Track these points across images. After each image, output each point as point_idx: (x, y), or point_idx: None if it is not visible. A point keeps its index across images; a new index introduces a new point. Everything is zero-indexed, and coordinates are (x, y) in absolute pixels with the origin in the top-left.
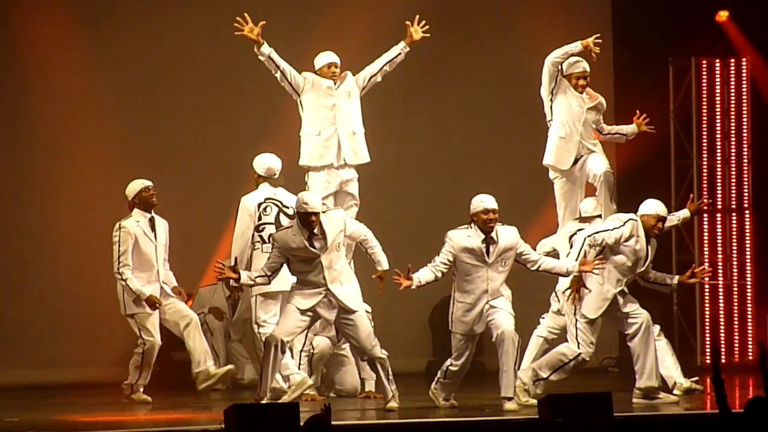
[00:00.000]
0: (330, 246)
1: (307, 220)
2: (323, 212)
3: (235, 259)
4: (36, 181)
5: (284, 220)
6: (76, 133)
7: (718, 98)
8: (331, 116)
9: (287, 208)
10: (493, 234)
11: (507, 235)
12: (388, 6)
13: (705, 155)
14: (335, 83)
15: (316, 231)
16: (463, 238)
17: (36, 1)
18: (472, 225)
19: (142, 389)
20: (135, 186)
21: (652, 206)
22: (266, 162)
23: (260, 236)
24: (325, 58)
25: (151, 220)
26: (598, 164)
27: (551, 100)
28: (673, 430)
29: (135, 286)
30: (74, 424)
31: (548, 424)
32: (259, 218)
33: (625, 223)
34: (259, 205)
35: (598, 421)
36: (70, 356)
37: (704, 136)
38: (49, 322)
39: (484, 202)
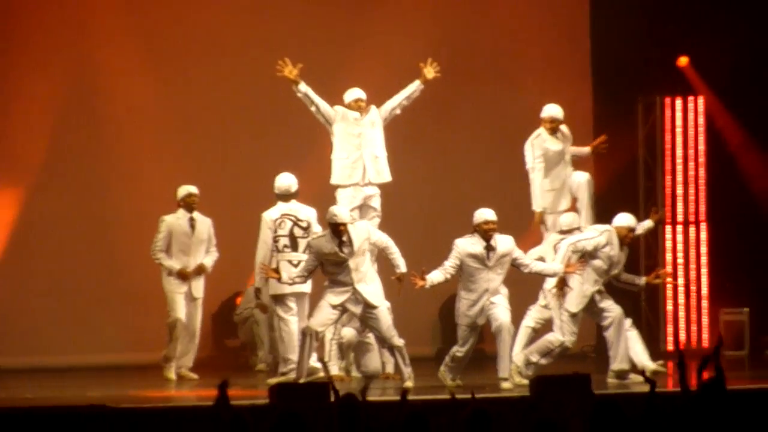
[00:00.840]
0: (356, 251)
1: (337, 229)
2: (351, 223)
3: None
4: (102, 176)
5: (298, 232)
6: (137, 132)
7: (679, 129)
8: (358, 143)
9: (301, 221)
10: (492, 242)
11: (504, 242)
12: (400, 51)
13: (668, 177)
14: (361, 115)
15: (344, 239)
16: (468, 245)
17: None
18: (475, 234)
19: (174, 364)
20: (182, 191)
21: (624, 219)
22: (280, 182)
23: (275, 246)
24: (353, 93)
25: (191, 219)
26: (580, 176)
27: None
28: (641, 405)
29: (166, 263)
30: (138, 398)
31: (537, 400)
32: (275, 231)
33: (602, 233)
34: (275, 220)
35: (578, 398)
36: (129, 340)
37: (667, 161)
38: (110, 307)
39: (484, 214)
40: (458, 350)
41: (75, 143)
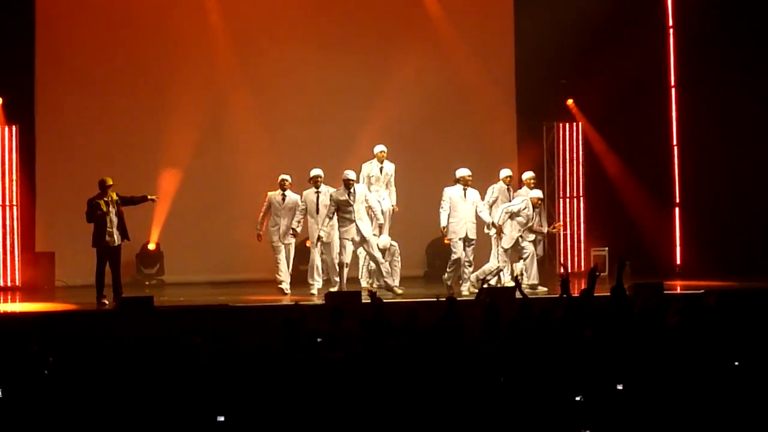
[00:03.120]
0: (357, 200)
1: (347, 183)
2: (356, 182)
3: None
4: (226, 164)
5: (321, 209)
6: (251, 137)
7: (567, 142)
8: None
9: (325, 197)
10: (468, 187)
11: (474, 192)
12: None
13: (560, 169)
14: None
15: (351, 191)
16: (453, 191)
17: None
18: (458, 183)
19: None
20: (281, 178)
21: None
22: (312, 172)
23: (303, 210)
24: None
25: (283, 195)
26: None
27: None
28: (550, 304)
29: (259, 225)
30: (249, 300)
31: (483, 301)
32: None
33: (522, 201)
34: (307, 195)
35: (509, 301)
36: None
37: (560, 162)
38: (230, 243)
39: (464, 171)
40: (449, 265)
41: (209, 142)
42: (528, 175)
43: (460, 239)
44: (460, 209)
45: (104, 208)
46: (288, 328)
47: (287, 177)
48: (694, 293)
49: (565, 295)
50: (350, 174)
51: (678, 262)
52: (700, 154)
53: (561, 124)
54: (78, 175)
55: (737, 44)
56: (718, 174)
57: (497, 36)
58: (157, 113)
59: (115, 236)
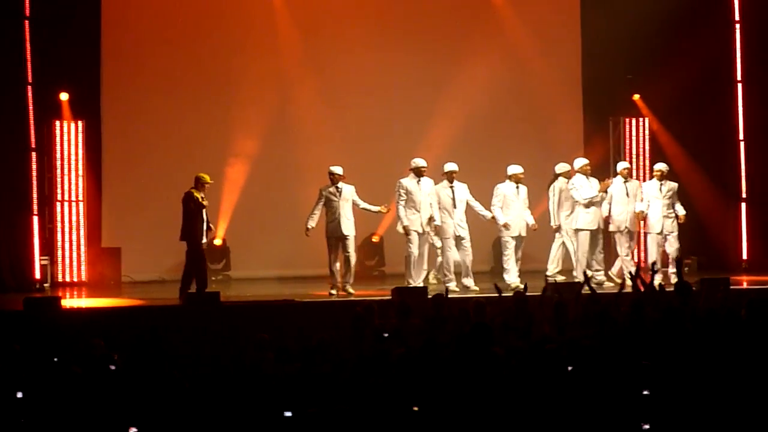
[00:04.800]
0: (343, 196)
1: (334, 178)
2: (343, 178)
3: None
4: (287, 162)
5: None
6: (324, 121)
7: (633, 138)
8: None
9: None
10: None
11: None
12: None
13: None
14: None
15: (339, 185)
16: (505, 187)
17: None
18: (509, 180)
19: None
20: (332, 169)
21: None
22: (333, 169)
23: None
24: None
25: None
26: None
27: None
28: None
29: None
30: (314, 295)
31: (550, 296)
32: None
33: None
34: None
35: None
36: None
37: (626, 157)
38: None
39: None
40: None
41: (275, 136)
42: (583, 161)
43: (512, 237)
44: (513, 206)
45: (202, 202)
46: (356, 324)
47: (339, 171)
48: (762, 288)
49: (630, 290)
50: (337, 169)
51: (745, 257)
52: (767, 149)
53: (627, 120)
54: (144, 170)
55: None
56: None
57: (564, 31)
58: (223, 107)
59: (205, 233)
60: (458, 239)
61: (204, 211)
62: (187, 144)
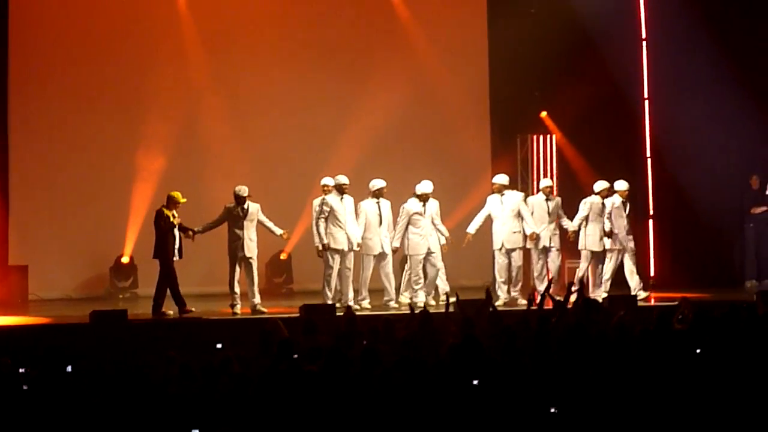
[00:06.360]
0: (249, 216)
1: (240, 199)
2: (249, 197)
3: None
4: (201, 172)
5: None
6: (231, 136)
7: (541, 154)
8: None
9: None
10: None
11: (433, 203)
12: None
13: (534, 181)
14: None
15: (245, 206)
16: (411, 204)
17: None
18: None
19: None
20: (237, 190)
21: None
22: (237, 190)
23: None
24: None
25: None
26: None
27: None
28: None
29: (320, 231)
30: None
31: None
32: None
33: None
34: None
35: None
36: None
37: (533, 172)
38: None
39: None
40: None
41: (182, 153)
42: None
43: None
44: (420, 223)
45: (173, 220)
46: (263, 341)
47: (341, 181)
48: (668, 305)
49: (534, 308)
50: (242, 190)
51: (652, 274)
52: (674, 166)
53: (535, 136)
54: (51, 188)
55: (709, 56)
56: (693, 185)
57: (471, 48)
58: (131, 124)
59: (176, 252)
60: (381, 256)
61: (175, 229)
62: (96, 161)
